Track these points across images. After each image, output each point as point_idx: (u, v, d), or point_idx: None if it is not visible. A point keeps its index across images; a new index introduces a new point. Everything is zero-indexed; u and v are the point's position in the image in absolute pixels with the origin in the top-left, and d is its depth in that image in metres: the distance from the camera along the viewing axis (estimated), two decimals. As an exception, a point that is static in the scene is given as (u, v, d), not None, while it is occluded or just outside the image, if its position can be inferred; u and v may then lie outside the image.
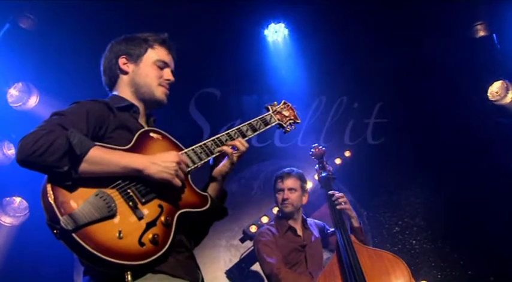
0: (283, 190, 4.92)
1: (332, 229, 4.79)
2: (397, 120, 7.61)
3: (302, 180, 5.05)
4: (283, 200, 4.89)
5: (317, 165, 4.96)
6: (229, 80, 7.37)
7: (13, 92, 6.15)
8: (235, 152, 2.73)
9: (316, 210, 6.56)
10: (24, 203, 6.22)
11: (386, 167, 7.32)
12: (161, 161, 2.35)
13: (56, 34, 6.03)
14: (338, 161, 7.27)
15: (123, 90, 2.75)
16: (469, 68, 7.16)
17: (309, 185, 6.53)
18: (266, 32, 7.59)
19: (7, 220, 6.18)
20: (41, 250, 5.46)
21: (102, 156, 2.24)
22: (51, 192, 2.14)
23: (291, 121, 3.15)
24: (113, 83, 2.79)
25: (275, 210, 5.86)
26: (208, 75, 7.13)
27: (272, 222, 5.14)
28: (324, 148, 5.04)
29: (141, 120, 2.72)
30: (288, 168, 5.10)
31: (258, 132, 2.93)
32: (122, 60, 2.77)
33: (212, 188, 2.78)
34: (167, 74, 2.79)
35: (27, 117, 6.10)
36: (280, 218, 4.99)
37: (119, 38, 2.84)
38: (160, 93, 2.76)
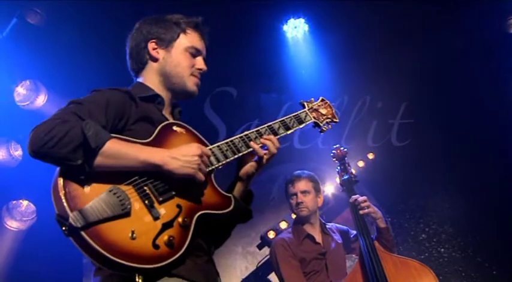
0: (295, 194, 4.87)
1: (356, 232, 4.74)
2: (424, 120, 7.54)
3: (314, 181, 5.00)
4: (298, 204, 4.84)
5: (338, 168, 4.94)
6: (246, 78, 7.36)
7: (20, 91, 6.12)
8: (265, 151, 2.66)
9: (338, 216, 6.53)
10: (32, 207, 6.14)
11: (412, 171, 7.27)
12: (182, 155, 2.30)
13: (65, 30, 6.04)
14: (361, 163, 7.18)
15: (150, 78, 2.70)
16: (502, 65, 7.14)
17: (330, 189, 6.81)
18: (285, 27, 7.63)
19: (14, 224, 6.12)
20: (49, 255, 5.47)
21: (118, 150, 2.20)
22: (62, 186, 2.12)
23: (328, 120, 3.07)
24: (139, 68, 2.74)
25: (294, 215, 5.73)
26: (224, 73, 7.02)
27: (290, 229, 5.10)
28: (345, 149, 5.02)
29: (166, 111, 2.68)
30: (298, 171, 5.05)
31: (291, 130, 2.84)
32: (151, 45, 2.71)
33: (237, 189, 2.71)
34: (200, 62, 2.74)
35: (34, 117, 6.03)
36: (297, 224, 4.95)
37: (147, 17, 2.78)
38: (192, 84, 2.71)
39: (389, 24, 7.16)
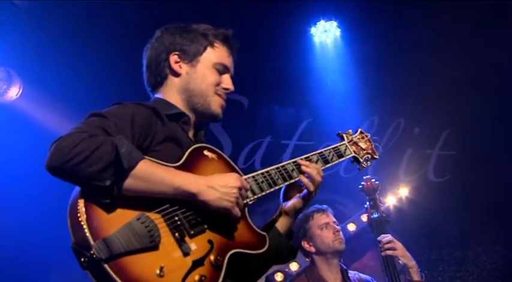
0: (328, 223, 4.70)
1: None
2: (468, 153, 7.35)
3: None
4: (336, 232, 4.66)
5: (368, 203, 4.91)
6: (260, 86, 7.31)
7: (-12, 77, 6.09)
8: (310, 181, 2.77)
9: (356, 261, 6.45)
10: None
11: (450, 213, 7.15)
12: (220, 185, 2.35)
13: (48, 15, 6.00)
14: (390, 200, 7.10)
15: (171, 95, 2.73)
16: None
17: (352, 228, 6.59)
18: (313, 30, 7.58)
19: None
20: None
21: (152, 173, 2.24)
22: (84, 210, 2.12)
23: (368, 156, 3.19)
24: (158, 83, 2.76)
25: (307, 257, 5.48)
26: (235, 78, 6.81)
27: (301, 271, 4.94)
28: (377, 182, 4.99)
29: (190, 133, 2.72)
30: (321, 205, 4.93)
31: (329, 164, 2.93)
32: (173, 58, 2.73)
33: (282, 224, 2.82)
34: (226, 81, 2.77)
35: (5, 112, 6.11)
36: (312, 267, 4.73)
37: (170, 26, 2.81)
38: (216, 105, 2.74)
39: (434, 38, 7.11)
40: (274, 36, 7.13)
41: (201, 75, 2.72)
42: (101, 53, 6.15)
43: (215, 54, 2.76)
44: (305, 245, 4.72)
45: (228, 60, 2.80)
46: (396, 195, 7.24)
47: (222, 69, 2.77)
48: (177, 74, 2.74)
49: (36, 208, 5.79)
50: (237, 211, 2.40)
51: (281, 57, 7.21)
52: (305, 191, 2.77)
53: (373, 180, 4.98)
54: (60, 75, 6.03)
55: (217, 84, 2.74)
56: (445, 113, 7.31)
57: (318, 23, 7.51)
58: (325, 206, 4.92)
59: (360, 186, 4.99)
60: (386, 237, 4.51)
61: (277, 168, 2.73)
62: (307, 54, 7.57)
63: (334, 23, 7.51)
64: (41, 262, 5.89)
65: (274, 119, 7.71)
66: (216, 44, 2.78)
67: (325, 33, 7.56)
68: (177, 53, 2.73)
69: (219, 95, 2.75)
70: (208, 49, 2.76)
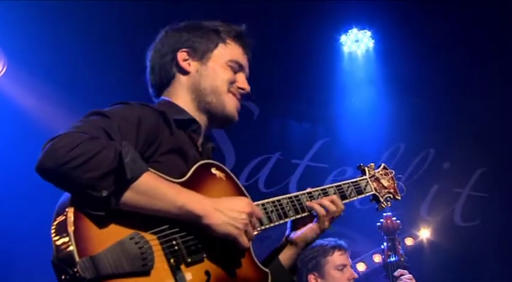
0: (345, 266, 4.67)
1: None
2: (502, 197, 7.38)
3: None
4: (352, 279, 4.66)
5: (385, 244, 4.88)
6: (274, 94, 7.20)
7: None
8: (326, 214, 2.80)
9: None
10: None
11: (478, 263, 7.10)
12: (228, 208, 2.32)
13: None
14: (409, 241, 6.85)
15: (180, 96, 2.70)
16: None
17: (362, 268, 6.68)
18: (343, 38, 7.53)
19: None
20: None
21: (155, 187, 2.21)
22: (73, 220, 2.08)
23: (390, 195, 3.17)
24: (164, 84, 2.74)
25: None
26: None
27: None
28: (399, 221, 4.95)
29: (198, 143, 2.69)
30: (339, 240, 4.93)
31: (347, 201, 2.90)
32: (181, 55, 2.69)
33: (286, 256, 2.81)
34: (242, 79, 2.74)
35: None
36: None
37: (177, 24, 2.80)
38: (232, 105, 2.69)
39: (480, 56, 7.09)
40: (296, 39, 7.11)
41: (213, 72, 2.69)
42: (97, 40, 6.20)
43: (228, 51, 2.74)
44: (311, 279, 4.71)
45: (242, 59, 2.76)
46: (416, 237, 7.16)
47: (236, 68, 2.73)
48: (185, 72, 2.70)
49: (17, 203, 5.79)
50: (244, 240, 2.35)
51: (302, 65, 7.19)
52: (316, 221, 2.78)
53: (394, 218, 4.93)
54: (50, 58, 6.02)
55: (232, 82, 2.70)
56: (480, 149, 7.33)
57: (349, 31, 7.47)
58: (345, 244, 4.92)
59: (378, 224, 4.94)
60: (405, 275, 4.53)
61: (290, 198, 2.71)
62: (333, 65, 7.53)
63: (368, 33, 7.46)
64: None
65: (286, 134, 7.71)
66: (228, 41, 2.75)
67: (357, 44, 7.51)
68: (185, 50, 2.70)
69: (233, 94, 2.70)
70: (220, 46, 2.73)
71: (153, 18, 5.94)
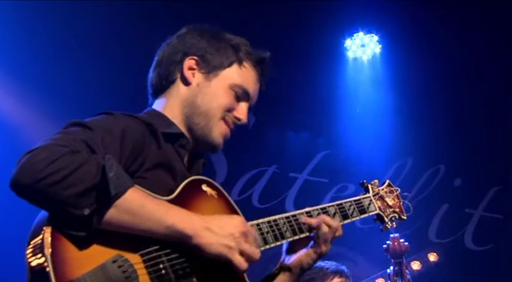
0: None
1: None
2: None
3: None
4: None
5: (392, 268, 4.89)
6: (271, 103, 6.95)
7: None
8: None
9: None
10: None
11: None
12: (219, 227, 2.30)
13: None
14: (416, 265, 6.93)
15: (172, 107, 2.68)
16: None
17: None
18: (347, 43, 7.53)
19: None
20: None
21: (141, 205, 2.19)
22: (50, 241, 2.06)
23: (395, 215, 3.13)
24: (163, 87, 2.71)
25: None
26: None
27: None
28: (407, 243, 4.97)
29: (185, 159, 2.69)
30: (341, 265, 4.89)
31: (348, 220, 2.88)
32: (189, 63, 2.66)
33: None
34: (241, 110, 2.69)
35: None
36: None
37: (200, 26, 2.78)
38: (218, 133, 2.65)
39: (499, 72, 7.12)
40: (296, 43, 7.08)
41: (213, 92, 2.66)
42: (82, 45, 6.25)
43: (239, 74, 2.69)
44: None
45: (252, 87, 2.71)
46: (423, 261, 7.09)
47: (241, 95, 2.68)
48: (186, 82, 2.67)
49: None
50: (239, 260, 2.30)
51: (302, 70, 7.14)
52: (313, 244, 2.74)
53: (402, 240, 4.95)
54: (33, 63, 6.08)
55: (229, 109, 2.64)
56: (495, 166, 7.34)
57: (355, 34, 7.46)
58: (347, 270, 4.90)
59: (385, 246, 4.95)
60: None
61: (287, 217, 2.67)
62: (336, 71, 7.51)
63: (375, 37, 7.44)
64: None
65: (283, 145, 7.66)
66: (245, 64, 2.70)
67: (362, 49, 7.51)
68: (195, 57, 2.67)
69: (225, 122, 2.65)
70: (234, 66, 2.69)
71: (140, 19, 6.10)
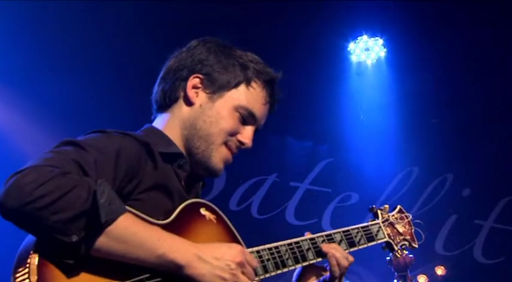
0: None
1: None
2: None
3: None
4: None
5: (396, 281, 5.01)
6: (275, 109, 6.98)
7: None
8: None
9: None
10: None
11: None
12: (214, 257, 2.27)
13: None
14: (422, 279, 6.99)
15: (172, 127, 2.63)
16: None
17: None
18: (351, 46, 7.55)
19: None
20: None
21: (133, 232, 2.17)
22: (36, 268, 2.02)
23: (405, 243, 3.11)
24: (166, 104, 2.66)
25: None
26: None
27: None
28: (412, 256, 5.10)
29: (184, 180, 2.68)
30: None
31: (355, 248, 2.85)
32: (193, 82, 2.60)
33: None
34: (247, 134, 2.63)
35: None
36: None
37: (211, 39, 2.71)
38: (218, 158, 2.59)
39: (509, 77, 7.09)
40: (297, 46, 7.12)
41: (216, 115, 2.59)
42: (72, 50, 6.24)
43: (247, 95, 2.62)
44: None
45: (259, 110, 2.64)
46: (430, 274, 7.13)
47: (247, 118, 2.61)
48: (189, 102, 2.62)
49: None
50: None
51: (304, 75, 7.07)
52: (327, 275, 2.71)
53: (406, 252, 4.81)
54: (21, 68, 6.13)
55: (233, 134, 2.58)
56: (506, 175, 7.34)
57: (359, 38, 7.49)
58: None
59: (388, 258, 5.01)
60: None
61: (290, 244, 2.66)
62: (339, 76, 7.52)
63: (380, 41, 7.46)
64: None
65: (284, 153, 7.68)
66: (253, 84, 2.62)
67: (367, 52, 7.52)
68: (200, 76, 2.60)
69: (228, 147, 2.59)
70: (241, 86, 2.62)
71: (135, 22, 6.06)
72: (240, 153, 6.69)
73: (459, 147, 7.33)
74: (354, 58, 7.49)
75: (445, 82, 7.17)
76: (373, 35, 7.38)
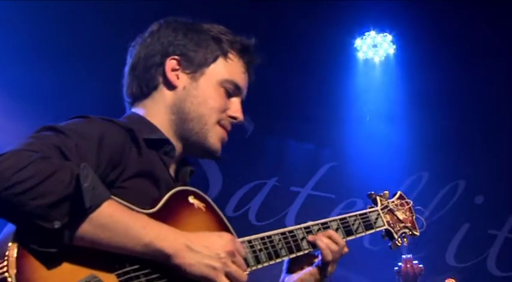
0: None
1: None
2: None
3: None
4: None
5: None
6: (273, 109, 7.18)
7: None
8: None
9: None
10: None
11: None
12: (203, 245, 2.24)
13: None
14: None
15: (157, 113, 2.65)
16: None
17: None
18: (358, 43, 7.54)
19: None
20: None
21: (118, 219, 2.14)
22: (15, 260, 2.00)
23: (406, 231, 3.10)
24: (143, 94, 2.67)
25: None
26: None
27: None
28: (421, 265, 5.15)
29: (171, 168, 2.67)
30: None
31: (352, 237, 2.84)
32: (170, 64, 2.62)
33: None
34: (235, 107, 2.68)
35: None
36: None
37: (174, 19, 2.74)
38: (216, 139, 2.64)
39: None
40: (299, 42, 7.13)
41: (203, 94, 2.63)
42: (56, 44, 6.27)
43: (227, 68, 2.66)
44: None
45: (241, 79, 2.67)
46: None
47: (232, 90, 2.65)
48: (171, 86, 2.62)
49: None
50: None
51: (307, 73, 7.15)
52: (318, 262, 2.71)
53: (416, 262, 5.09)
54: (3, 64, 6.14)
55: (223, 110, 2.63)
56: None
57: (366, 34, 7.47)
58: None
59: (396, 268, 5.09)
60: None
61: (283, 233, 2.68)
62: (345, 74, 7.52)
63: (388, 37, 7.45)
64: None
65: (284, 156, 7.68)
66: (230, 55, 2.66)
67: (374, 49, 7.52)
68: (176, 57, 2.62)
69: (222, 126, 2.63)
70: (219, 60, 2.65)
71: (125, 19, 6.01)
72: (238, 156, 6.64)
73: (472, 151, 7.34)
74: (360, 55, 7.50)
75: (458, 82, 7.15)
76: (381, 30, 7.39)
